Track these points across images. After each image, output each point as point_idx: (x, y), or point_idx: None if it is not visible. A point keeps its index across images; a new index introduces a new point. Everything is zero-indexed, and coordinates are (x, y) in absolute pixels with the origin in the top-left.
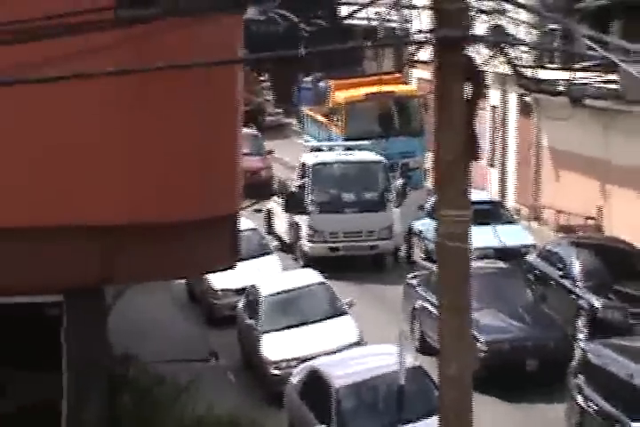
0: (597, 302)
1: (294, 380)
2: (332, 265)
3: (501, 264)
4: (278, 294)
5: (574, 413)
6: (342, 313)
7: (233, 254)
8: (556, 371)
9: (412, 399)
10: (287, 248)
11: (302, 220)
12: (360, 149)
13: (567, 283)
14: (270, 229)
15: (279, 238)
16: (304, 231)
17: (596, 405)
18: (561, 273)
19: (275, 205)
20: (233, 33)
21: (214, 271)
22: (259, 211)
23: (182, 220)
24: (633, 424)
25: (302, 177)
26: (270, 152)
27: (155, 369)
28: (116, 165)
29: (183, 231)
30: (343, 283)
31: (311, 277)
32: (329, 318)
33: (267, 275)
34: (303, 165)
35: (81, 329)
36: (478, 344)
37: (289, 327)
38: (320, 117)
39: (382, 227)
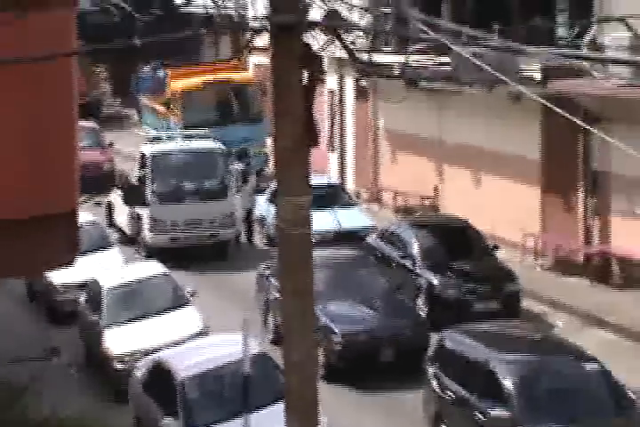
0: (435, 280)
1: (138, 373)
2: (175, 255)
3: (354, 252)
4: (120, 286)
5: (432, 401)
6: (185, 303)
7: (73, 250)
8: (412, 360)
9: (259, 387)
10: (129, 241)
11: (143, 211)
12: (199, 137)
13: (407, 263)
14: (111, 222)
15: (120, 231)
16: (145, 222)
17: (454, 392)
18: (401, 253)
19: (115, 197)
20: (66, 25)
21: (54, 268)
22: (99, 204)
23: (17, 217)
24: (492, 412)
25: (142, 168)
26: (111, 144)
27: None
28: None
29: (19, 229)
30: (187, 273)
31: (153, 268)
32: (172, 308)
33: (108, 268)
34: (142, 155)
35: None
36: (333, 336)
37: (132, 320)
38: (159, 107)
39: (223, 215)
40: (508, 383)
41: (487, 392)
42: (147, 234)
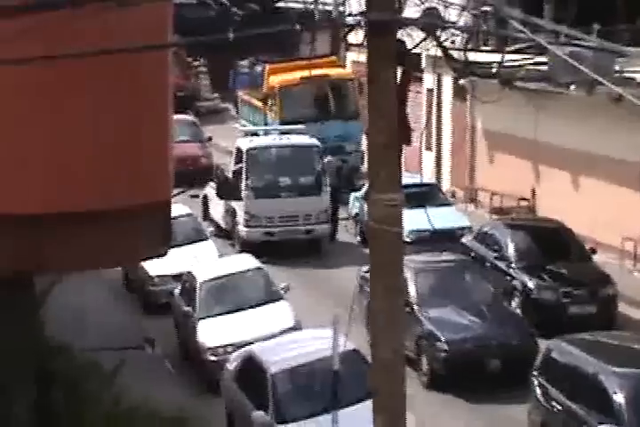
0: (531, 283)
1: (231, 366)
2: (270, 250)
3: (460, 257)
4: (214, 279)
5: (538, 413)
6: (278, 298)
7: (165, 241)
8: (519, 370)
9: (348, 383)
10: (224, 234)
11: (238, 205)
12: (295, 133)
13: (502, 264)
14: (207, 215)
15: (216, 224)
16: (240, 216)
17: (561, 404)
18: (496, 255)
19: (211, 190)
20: (163, 17)
21: (146, 259)
22: (195, 196)
23: (113, 207)
24: (600, 426)
25: (237, 162)
26: (210, 138)
27: (88, 359)
28: (42, 153)
29: (114, 218)
30: (280, 268)
31: (247, 262)
32: (265, 303)
33: (203, 261)
34: (238, 149)
35: (9, 321)
36: (438, 343)
37: (225, 313)
38: (256, 102)
39: (318, 210)
40: (618, 398)
41: (595, 405)
42: (241, 228)
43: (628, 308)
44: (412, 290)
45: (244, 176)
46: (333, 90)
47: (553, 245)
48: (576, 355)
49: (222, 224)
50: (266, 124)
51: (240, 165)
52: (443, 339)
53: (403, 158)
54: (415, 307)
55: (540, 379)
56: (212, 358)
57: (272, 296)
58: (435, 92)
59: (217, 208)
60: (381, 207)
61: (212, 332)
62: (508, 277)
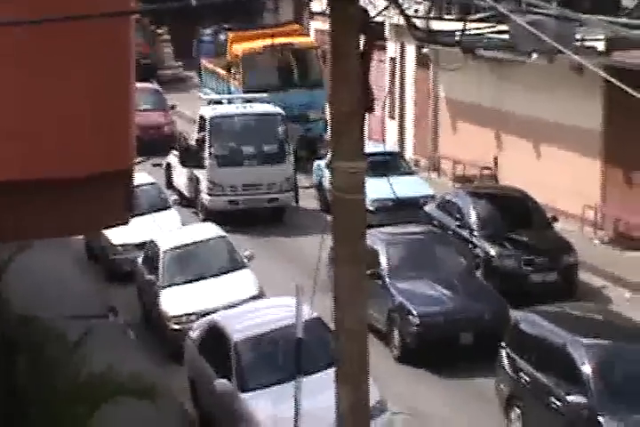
0: (492, 251)
1: (194, 334)
2: (233, 218)
3: (431, 228)
4: (177, 248)
5: (506, 384)
6: (242, 266)
7: (128, 210)
8: (491, 344)
9: (312, 351)
10: (187, 202)
11: (202, 174)
12: (259, 101)
13: (464, 232)
14: (170, 184)
15: (179, 193)
16: (203, 185)
17: (529, 376)
18: (458, 223)
19: (174, 158)
20: None
21: (109, 227)
22: (158, 165)
23: (73, 175)
24: (569, 398)
25: (201, 130)
26: (173, 107)
27: (51, 327)
28: (4, 120)
29: (75, 186)
30: (244, 236)
31: (211, 230)
32: (228, 271)
33: (166, 229)
34: (201, 118)
35: None
36: (410, 317)
37: (188, 282)
38: (219, 70)
39: (282, 179)
40: (586, 368)
41: (563, 376)
42: (205, 197)
43: (588, 276)
44: (383, 262)
45: (207, 144)
46: (297, 58)
47: (515, 213)
48: (544, 326)
49: (186, 193)
50: (229, 93)
51: (203, 134)
52: (415, 312)
53: (366, 127)
54: (386, 279)
55: (507, 350)
56: (176, 326)
57: (235, 265)
58: (398, 61)
59: (180, 177)
60: (344, 175)
61: (175, 300)
62: (471, 245)
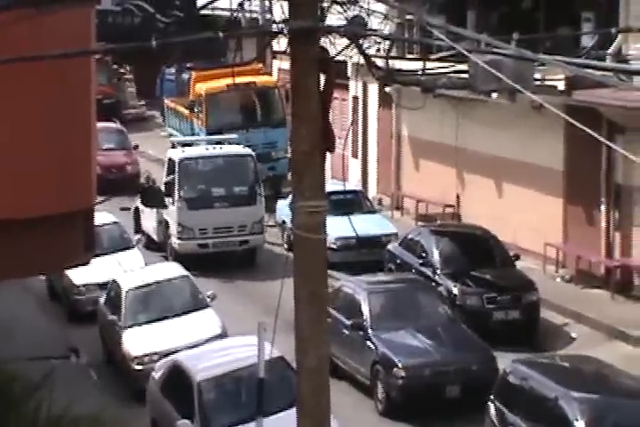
0: (455, 289)
1: (156, 375)
2: (203, 262)
3: (412, 276)
4: (140, 287)
5: None
6: (205, 306)
7: (89, 249)
8: (479, 396)
9: (274, 391)
10: (157, 247)
11: (171, 217)
12: (228, 142)
13: (427, 271)
14: (139, 228)
15: (148, 237)
16: (173, 228)
17: None
18: (421, 261)
19: None
20: (85, 24)
21: (70, 267)
22: (126, 209)
23: (34, 215)
24: None
25: (170, 173)
26: (136, 147)
27: (11, 367)
28: None
29: (35, 227)
30: (207, 276)
31: (173, 270)
32: (191, 311)
33: (128, 269)
34: (170, 160)
35: None
36: (395, 369)
37: (151, 322)
38: (182, 109)
39: (253, 221)
40: (579, 424)
41: None
42: (175, 240)
43: (550, 313)
44: (364, 312)
45: (176, 187)
46: (260, 97)
47: (477, 251)
48: (534, 378)
49: (155, 237)
50: (192, 132)
51: (172, 176)
52: (399, 365)
53: (329, 166)
54: (369, 330)
55: (496, 403)
56: (138, 366)
57: (198, 304)
58: (360, 100)
59: (149, 220)
60: (305, 214)
61: (138, 340)
62: (434, 283)
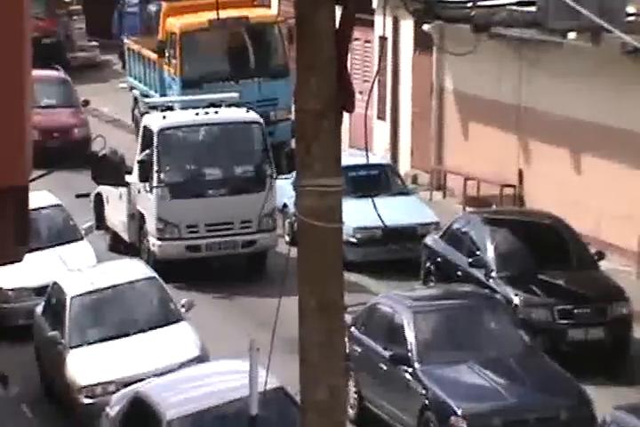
0: (516, 298)
1: (112, 411)
2: (193, 271)
3: (477, 290)
4: (90, 293)
5: None
6: (178, 319)
7: (21, 241)
8: None
9: None
10: (126, 249)
11: (148, 208)
12: (227, 103)
13: (479, 273)
14: (101, 223)
15: (114, 235)
16: (151, 225)
17: None
18: (471, 260)
19: (107, 187)
20: None
21: None
22: (83, 196)
23: None
24: None
25: (146, 147)
26: (86, 103)
27: None
28: None
29: None
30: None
31: (136, 269)
32: (160, 325)
33: (75, 268)
34: (146, 130)
35: None
36: (453, 418)
37: (105, 340)
38: (148, 53)
39: (261, 214)
40: None
41: None
42: (153, 241)
43: None
44: (410, 340)
45: (154, 168)
46: (253, 37)
47: (547, 247)
48: None
49: (124, 235)
50: (162, 84)
51: (149, 152)
52: (459, 412)
53: (346, 131)
54: (416, 364)
55: None
56: (87, 400)
57: (169, 316)
58: (390, 42)
59: (116, 213)
60: (313, 196)
61: (87, 365)
62: (488, 291)
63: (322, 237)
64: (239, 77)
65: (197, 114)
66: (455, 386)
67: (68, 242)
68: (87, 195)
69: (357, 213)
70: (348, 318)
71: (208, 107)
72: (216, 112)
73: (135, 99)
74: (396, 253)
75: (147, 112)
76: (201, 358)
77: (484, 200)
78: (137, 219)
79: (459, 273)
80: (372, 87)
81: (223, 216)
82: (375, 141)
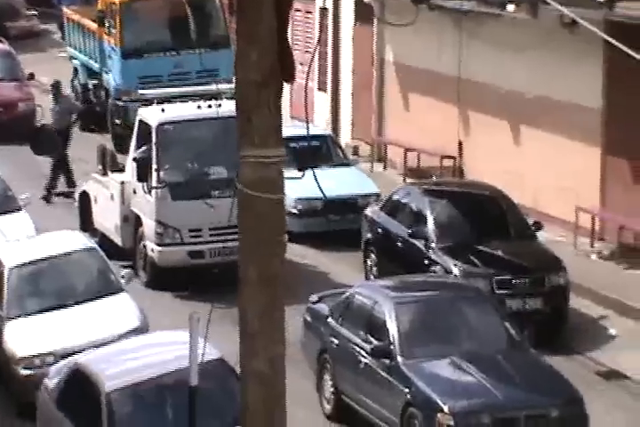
0: (455, 269)
1: (51, 383)
2: (196, 279)
3: (459, 281)
4: (27, 264)
5: None
6: (118, 290)
7: None
8: None
9: (211, 403)
10: (119, 254)
11: (146, 211)
12: (230, 95)
13: (419, 244)
14: (88, 225)
15: (104, 238)
16: (149, 228)
17: None
18: (410, 231)
19: (94, 185)
20: None
21: None
22: (64, 195)
23: None
24: None
25: (143, 144)
26: (32, 76)
27: None
28: None
29: None
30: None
31: (75, 240)
32: (100, 296)
33: (12, 239)
34: (143, 124)
35: None
36: (439, 415)
37: (43, 311)
38: (88, 22)
39: None
40: None
41: None
42: (151, 246)
43: (586, 303)
44: (392, 332)
45: (153, 166)
46: (195, 8)
47: (485, 218)
48: None
49: (117, 240)
50: (102, 54)
51: (147, 149)
52: (445, 409)
53: (287, 102)
54: (398, 358)
55: None
56: (25, 371)
57: (109, 287)
58: (331, 13)
59: (107, 214)
60: (253, 167)
61: (25, 336)
62: (427, 261)
63: (263, 208)
64: (179, 48)
65: (199, 107)
66: (441, 381)
67: (6, 212)
68: (69, 194)
69: (297, 185)
70: (324, 308)
71: (209, 99)
72: (219, 105)
73: (75, 69)
74: (336, 224)
75: (86, 83)
76: (141, 330)
77: (425, 172)
78: (132, 222)
79: (399, 244)
80: (312, 58)
81: (229, 219)
82: (316, 113)
